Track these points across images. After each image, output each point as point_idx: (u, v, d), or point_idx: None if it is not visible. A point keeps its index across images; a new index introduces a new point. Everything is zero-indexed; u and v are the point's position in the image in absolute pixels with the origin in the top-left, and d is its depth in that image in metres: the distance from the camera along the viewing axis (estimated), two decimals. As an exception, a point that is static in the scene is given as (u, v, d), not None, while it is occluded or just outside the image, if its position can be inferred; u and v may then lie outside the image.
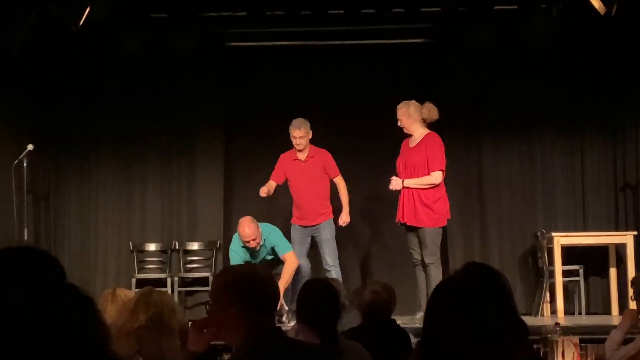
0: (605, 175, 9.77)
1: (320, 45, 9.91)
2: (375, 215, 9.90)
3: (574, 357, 4.27)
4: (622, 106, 9.72)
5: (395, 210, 8.06)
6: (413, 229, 7.94)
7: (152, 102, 9.85)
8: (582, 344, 4.38)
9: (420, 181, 7.86)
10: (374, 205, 9.86)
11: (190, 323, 3.08)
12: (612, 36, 9.33)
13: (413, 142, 8.00)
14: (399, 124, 7.98)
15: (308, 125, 8.53)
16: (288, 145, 9.93)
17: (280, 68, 10.04)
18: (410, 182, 7.88)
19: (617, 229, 9.49)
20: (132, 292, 4.01)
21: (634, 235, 8.94)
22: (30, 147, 8.35)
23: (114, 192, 9.83)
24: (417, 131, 7.95)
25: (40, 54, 9.25)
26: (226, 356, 2.96)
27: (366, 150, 9.89)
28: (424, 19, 9.61)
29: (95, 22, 8.52)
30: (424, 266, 7.87)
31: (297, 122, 8.56)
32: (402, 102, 8.00)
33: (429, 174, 7.86)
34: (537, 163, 9.83)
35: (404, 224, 7.98)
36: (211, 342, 2.97)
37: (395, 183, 7.93)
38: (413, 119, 7.91)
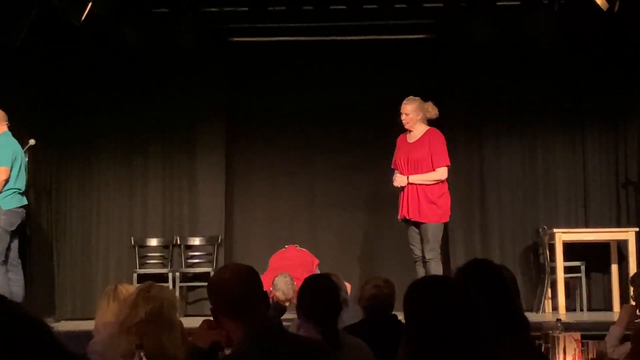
0: (607, 172, 9.76)
1: (321, 40, 9.89)
2: (374, 211, 9.89)
3: (575, 353, 4.26)
4: (624, 102, 9.72)
5: (395, 206, 8.05)
6: (415, 225, 7.92)
7: (154, 97, 9.85)
8: (584, 340, 4.37)
9: (426, 177, 7.85)
10: (374, 201, 9.86)
11: (202, 320, 3.11)
12: (614, 32, 9.32)
13: (412, 137, 7.97)
14: (403, 118, 7.91)
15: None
16: (290, 141, 9.96)
17: (282, 63, 10.04)
18: (416, 178, 7.86)
19: (618, 225, 9.49)
20: (133, 287, 4.00)
21: (636, 232, 8.93)
22: (32, 142, 8.33)
23: (116, 187, 9.83)
24: (419, 127, 7.95)
25: (42, 48, 9.24)
26: (228, 351, 2.96)
27: (367, 145, 9.89)
28: (426, 15, 9.60)
29: (97, 17, 8.52)
30: (424, 262, 7.86)
31: None
32: (409, 98, 7.95)
33: (434, 170, 7.85)
34: (538, 159, 9.83)
35: (407, 220, 7.96)
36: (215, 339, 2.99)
37: (400, 179, 7.90)
38: (421, 116, 7.91)
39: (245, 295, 2.84)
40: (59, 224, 9.72)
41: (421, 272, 7.92)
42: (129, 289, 4.05)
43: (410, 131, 7.97)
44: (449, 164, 7.89)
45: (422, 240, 7.88)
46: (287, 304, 7.77)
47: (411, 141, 7.97)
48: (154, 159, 9.89)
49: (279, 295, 7.71)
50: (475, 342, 2.40)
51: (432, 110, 7.97)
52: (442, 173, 7.86)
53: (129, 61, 9.66)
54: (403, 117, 7.93)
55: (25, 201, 7.97)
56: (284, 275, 7.83)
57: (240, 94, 10.07)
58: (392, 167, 8.07)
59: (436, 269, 7.71)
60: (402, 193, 7.95)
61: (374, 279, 5.12)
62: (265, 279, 7.83)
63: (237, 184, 10.07)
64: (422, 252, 7.89)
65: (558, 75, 9.75)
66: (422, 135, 7.93)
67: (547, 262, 9.01)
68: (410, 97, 7.98)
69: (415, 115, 7.89)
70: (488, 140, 9.89)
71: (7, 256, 7.77)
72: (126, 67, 9.74)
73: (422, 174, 7.86)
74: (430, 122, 8.03)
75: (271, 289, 7.76)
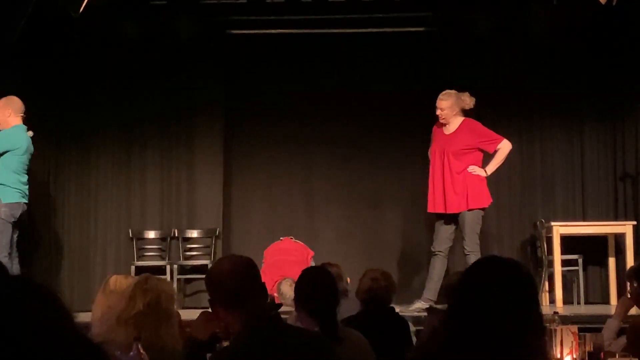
0: (604, 165, 9.76)
1: (320, 33, 9.88)
2: (373, 204, 9.90)
3: (572, 346, 4.26)
4: (622, 96, 9.71)
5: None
6: (454, 219, 7.92)
7: (152, 89, 9.84)
8: (581, 333, 4.37)
9: (499, 160, 7.98)
10: (373, 193, 9.87)
11: (200, 312, 3.11)
12: (612, 26, 9.31)
13: (448, 129, 7.98)
14: (439, 113, 7.92)
15: None
16: (288, 134, 9.96)
17: (280, 56, 10.02)
18: (493, 167, 7.96)
19: (616, 218, 9.50)
20: (129, 279, 3.99)
21: (633, 225, 8.94)
22: (30, 134, 8.33)
23: (114, 180, 9.83)
24: (455, 120, 7.96)
25: (40, 40, 9.23)
26: (225, 344, 2.97)
27: (365, 138, 9.89)
28: (424, 8, 9.59)
29: (96, 9, 8.49)
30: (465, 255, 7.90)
31: None
32: (445, 93, 7.94)
33: (494, 151, 7.93)
34: (536, 152, 9.83)
35: (443, 214, 7.96)
36: (213, 331, 2.99)
37: (480, 172, 7.93)
38: (456, 110, 7.91)
39: (243, 287, 2.85)
40: (57, 217, 9.72)
41: (438, 266, 7.92)
42: (120, 279, 4.04)
43: (445, 124, 7.98)
44: (502, 137, 7.96)
45: (462, 231, 7.89)
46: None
47: (447, 133, 7.99)
48: (152, 152, 9.89)
49: (287, 303, 7.61)
50: (522, 334, 2.35)
51: (468, 101, 7.96)
52: (505, 145, 7.94)
53: (127, 53, 9.64)
54: (439, 112, 7.92)
55: (25, 199, 7.97)
56: (289, 283, 7.72)
57: (238, 87, 10.05)
58: (429, 154, 8.12)
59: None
60: (433, 187, 7.95)
61: (372, 271, 5.11)
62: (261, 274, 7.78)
63: (235, 176, 10.07)
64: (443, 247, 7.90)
65: (556, 69, 9.74)
66: (458, 127, 7.95)
67: (544, 255, 9.01)
68: (446, 91, 7.97)
69: (450, 111, 7.90)
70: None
71: (11, 248, 7.82)
72: (124, 60, 9.71)
73: (493, 161, 7.95)
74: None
75: (276, 294, 7.74)
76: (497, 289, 2.36)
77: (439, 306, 5.31)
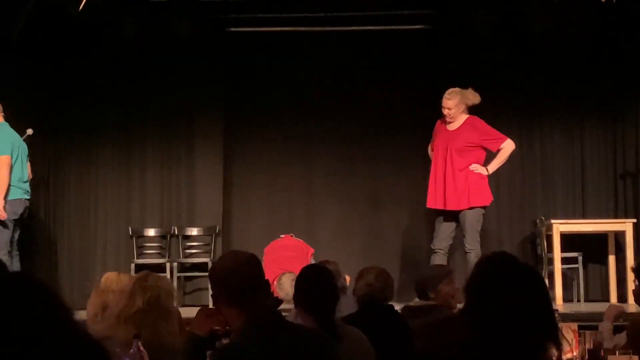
0: (604, 163, 9.76)
1: (320, 31, 9.87)
2: (373, 202, 9.90)
3: (572, 344, 4.26)
4: (622, 94, 9.70)
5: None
6: (454, 216, 7.93)
7: (152, 87, 9.82)
8: (581, 331, 4.37)
9: (502, 159, 7.97)
10: (372, 191, 9.87)
11: (199, 308, 3.11)
12: (613, 23, 9.31)
13: (452, 126, 7.97)
14: (446, 112, 7.90)
15: None
16: (288, 132, 9.96)
17: (281, 53, 10.01)
18: (495, 166, 7.97)
19: (616, 216, 9.49)
20: (122, 277, 3.99)
21: (633, 223, 8.93)
22: (29, 131, 8.33)
23: (114, 177, 9.83)
24: (459, 117, 7.95)
25: (40, 38, 9.22)
26: (225, 341, 2.97)
27: (365, 136, 9.90)
28: (425, 5, 9.58)
29: (95, 7, 8.49)
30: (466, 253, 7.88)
31: None
32: (451, 92, 7.90)
33: (498, 150, 7.93)
34: (536, 150, 9.82)
35: (442, 211, 7.96)
36: (213, 327, 3.00)
37: (482, 170, 7.93)
38: (462, 108, 7.91)
39: (246, 284, 2.84)
40: (57, 214, 9.72)
41: (438, 263, 7.91)
42: (111, 277, 4.03)
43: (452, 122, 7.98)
44: (506, 136, 7.96)
45: (462, 229, 7.89)
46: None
47: (451, 129, 7.97)
48: (152, 149, 9.88)
49: (283, 295, 7.60)
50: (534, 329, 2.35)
51: (473, 98, 7.94)
52: (508, 144, 7.94)
53: (127, 51, 9.63)
54: (445, 111, 7.90)
55: (27, 195, 7.98)
56: (291, 277, 7.67)
57: (238, 85, 10.05)
58: (429, 150, 8.11)
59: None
60: (434, 183, 7.95)
61: (366, 274, 5.01)
62: None
63: (235, 174, 10.06)
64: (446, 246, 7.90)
65: (556, 66, 9.73)
66: (462, 124, 7.93)
67: (544, 253, 9.01)
68: (451, 89, 7.95)
69: (457, 109, 7.88)
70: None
71: (11, 246, 7.82)
72: (124, 57, 9.70)
73: (495, 160, 7.95)
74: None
75: (275, 284, 7.74)
76: (514, 284, 2.36)
77: (412, 303, 5.30)
